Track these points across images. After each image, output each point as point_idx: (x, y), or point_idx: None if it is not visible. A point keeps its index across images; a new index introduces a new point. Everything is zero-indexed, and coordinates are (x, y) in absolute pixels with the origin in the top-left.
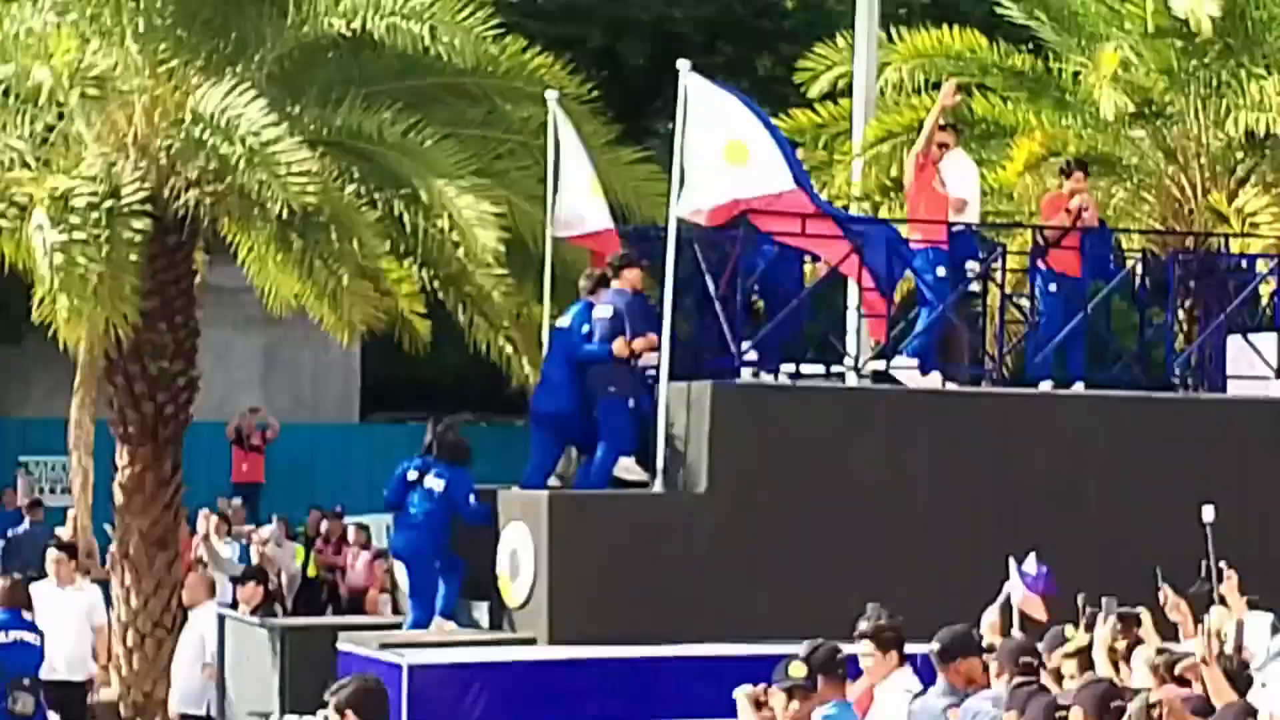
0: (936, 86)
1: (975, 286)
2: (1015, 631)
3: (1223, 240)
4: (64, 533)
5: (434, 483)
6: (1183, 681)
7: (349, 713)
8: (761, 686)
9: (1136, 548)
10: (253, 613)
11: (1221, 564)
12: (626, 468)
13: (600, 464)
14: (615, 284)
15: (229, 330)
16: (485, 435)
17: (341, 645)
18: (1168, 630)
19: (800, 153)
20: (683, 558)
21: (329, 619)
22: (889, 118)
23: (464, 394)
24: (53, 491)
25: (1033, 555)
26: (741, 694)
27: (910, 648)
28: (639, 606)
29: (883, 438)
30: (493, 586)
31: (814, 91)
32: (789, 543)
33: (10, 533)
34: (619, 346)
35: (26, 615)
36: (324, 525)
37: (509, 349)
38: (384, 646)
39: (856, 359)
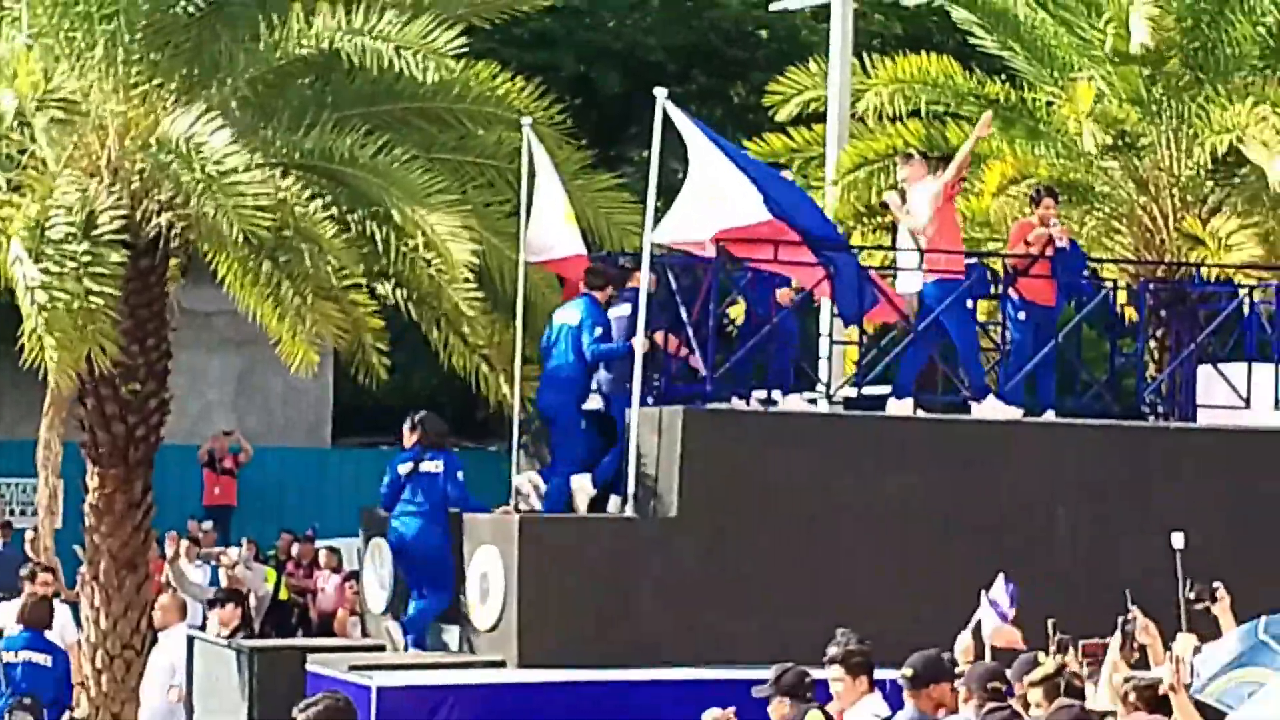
0: (914, 114)
1: None
2: (986, 657)
3: (1194, 269)
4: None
5: (432, 466)
6: (1152, 708)
7: None
8: (730, 711)
9: (1106, 575)
10: (231, 635)
11: (1217, 585)
12: None
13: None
14: (630, 283)
15: (202, 353)
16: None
17: (311, 667)
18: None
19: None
20: (653, 582)
21: (298, 641)
22: (864, 144)
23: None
24: (24, 513)
25: (1000, 577)
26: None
27: (880, 673)
28: (609, 630)
29: (854, 464)
30: (462, 609)
31: (783, 115)
32: (759, 568)
33: None
34: (640, 344)
35: (48, 634)
36: (295, 548)
37: (484, 368)
38: (353, 668)
39: (828, 385)
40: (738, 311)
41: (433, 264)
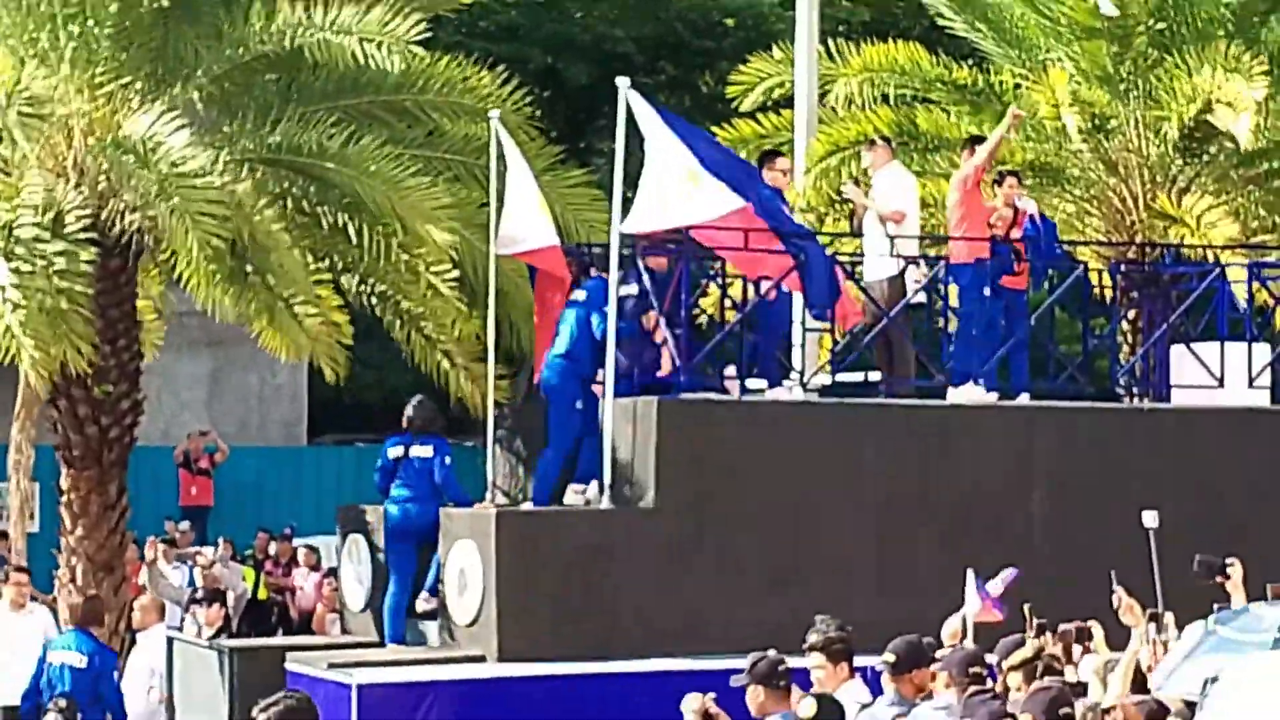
0: (885, 99)
1: (920, 298)
2: (969, 642)
3: (1164, 250)
4: None
5: (422, 450)
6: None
7: None
8: (711, 696)
9: (1083, 556)
10: (215, 635)
11: (1231, 560)
12: None
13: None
14: (640, 262)
15: (174, 354)
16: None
17: (290, 665)
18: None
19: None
20: (631, 573)
21: (278, 640)
22: (835, 131)
23: None
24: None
25: (1006, 573)
26: (689, 706)
27: (861, 660)
28: (588, 623)
29: (829, 451)
30: (441, 604)
31: (747, 104)
32: (737, 557)
33: None
34: (649, 320)
35: (97, 633)
36: (273, 547)
37: (446, 364)
38: (332, 666)
39: (802, 374)
40: (711, 302)
41: (410, 251)
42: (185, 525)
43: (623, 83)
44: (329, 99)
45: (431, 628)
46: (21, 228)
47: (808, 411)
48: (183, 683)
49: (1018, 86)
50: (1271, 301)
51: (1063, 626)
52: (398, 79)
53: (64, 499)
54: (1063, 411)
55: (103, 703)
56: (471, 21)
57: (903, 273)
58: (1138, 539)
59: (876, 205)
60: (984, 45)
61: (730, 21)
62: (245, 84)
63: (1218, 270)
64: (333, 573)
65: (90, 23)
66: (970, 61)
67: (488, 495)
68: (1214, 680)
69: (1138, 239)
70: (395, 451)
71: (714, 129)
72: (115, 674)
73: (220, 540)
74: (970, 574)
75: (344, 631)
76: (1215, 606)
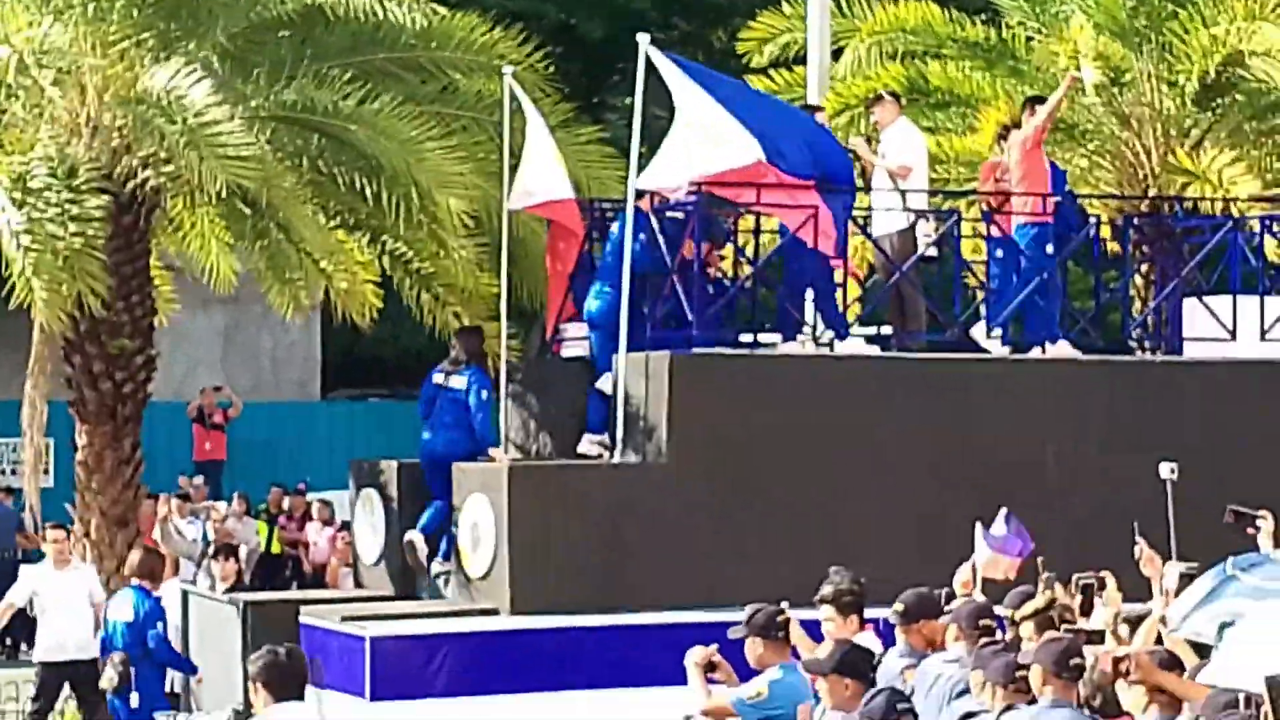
0: (893, 57)
1: (932, 252)
2: (978, 593)
3: (1176, 203)
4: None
5: (458, 381)
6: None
7: (258, 684)
8: (713, 648)
9: (1096, 510)
10: (229, 589)
11: (1263, 512)
12: None
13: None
14: (654, 219)
15: (188, 310)
16: None
17: (304, 619)
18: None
19: None
20: (643, 528)
21: (293, 593)
22: (846, 90)
23: (424, 371)
24: (14, 473)
25: (1002, 514)
26: (692, 658)
27: (873, 612)
28: (600, 576)
29: (842, 405)
30: (454, 558)
31: (759, 61)
32: (750, 511)
33: None
34: (688, 249)
35: (154, 590)
36: (286, 502)
37: (455, 324)
38: (346, 619)
39: (814, 328)
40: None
41: (425, 212)
42: (199, 480)
43: (643, 38)
44: (344, 55)
45: (446, 581)
46: (34, 178)
47: (820, 365)
48: (198, 636)
49: (1029, 40)
50: None
51: (1077, 576)
52: (414, 35)
53: (78, 455)
54: (1075, 364)
55: (152, 656)
56: None
57: (913, 226)
58: (1153, 492)
59: (886, 161)
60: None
61: None
62: (260, 41)
63: (1230, 224)
64: (346, 527)
65: None
66: (983, 17)
67: (501, 449)
68: (1230, 625)
69: (1150, 193)
70: (437, 379)
71: None
72: (160, 625)
73: (235, 495)
74: (979, 528)
75: (357, 585)
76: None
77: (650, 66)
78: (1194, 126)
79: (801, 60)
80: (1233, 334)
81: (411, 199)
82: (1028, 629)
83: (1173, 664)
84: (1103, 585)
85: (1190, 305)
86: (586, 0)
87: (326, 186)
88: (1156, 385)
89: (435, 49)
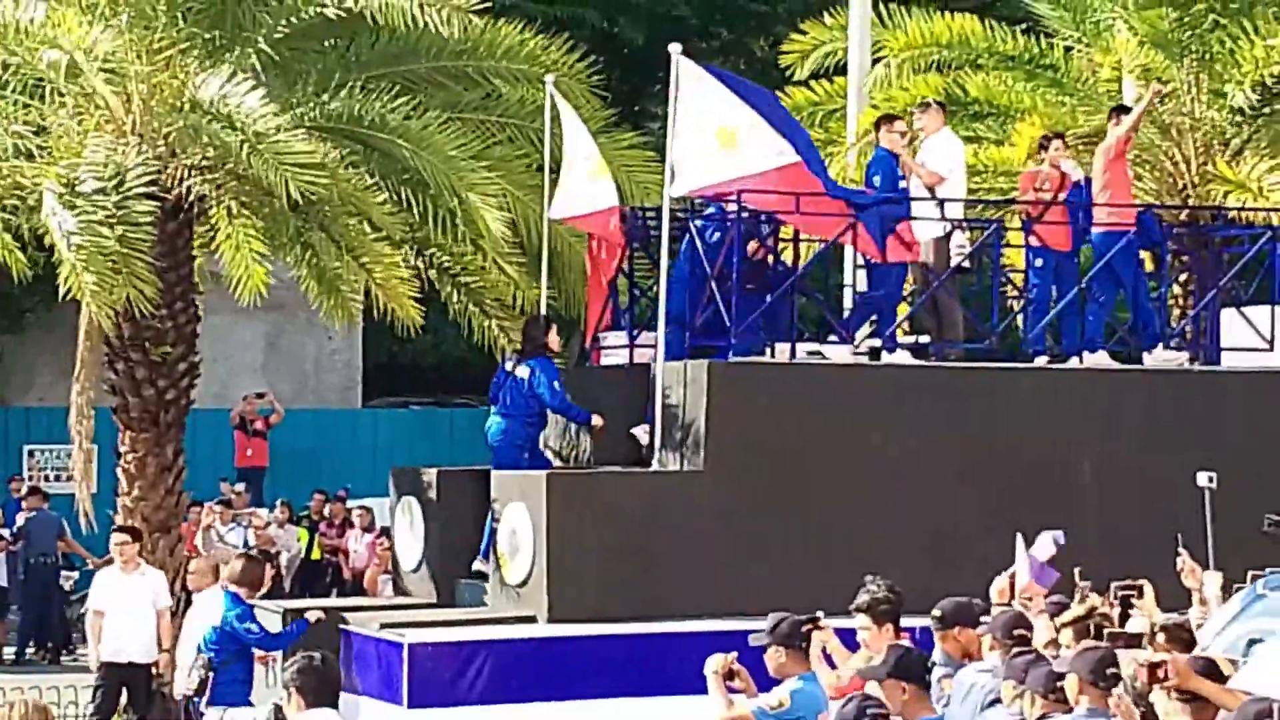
0: (935, 68)
1: (967, 263)
2: (1016, 604)
3: (1216, 213)
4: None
5: (521, 371)
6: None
7: (293, 690)
8: (732, 656)
9: (1134, 519)
10: (264, 596)
11: None
12: None
13: None
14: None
15: (229, 318)
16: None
17: (345, 625)
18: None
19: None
20: (681, 535)
21: (332, 601)
22: (884, 101)
23: (465, 379)
24: (57, 479)
25: (1047, 535)
26: (711, 666)
27: (908, 621)
28: (638, 584)
29: (879, 414)
30: (494, 566)
31: (802, 73)
32: (787, 519)
33: (21, 519)
34: (752, 248)
35: (248, 598)
36: (327, 508)
37: (503, 339)
38: (385, 626)
39: (851, 336)
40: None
41: (469, 225)
42: (241, 487)
43: (675, 48)
44: (387, 64)
45: (483, 589)
46: (83, 183)
47: (857, 374)
48: None
49: (1068, 50)
50: None
51: (1116, 585)
52: (456, 43)
53: (121, 460)
54: (1112, 374)
55: (247, 652)
56: None
57: (949, 235)
58: (1189, 502)
59: (926, 173)
60: (1039, 9)
61: None
62: (303, 49)
63: (1269, 233)
64: (385, 533)
65: None
66: (1022, 27)
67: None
68: (1260, 641)
69: (1190, 203)
70: (507, 366)
71: None
72: (254, 624)
73: (279, 502)
74: (1020, 540)
75: (397, 592)
76: (1267, 570)
77: (686, 76)
78: (1235, 136)
79: (842, 71)
80: (1270, 344)
81: (455, 213)
82: (1067, 636)
83: (1210, 671)
84: (1141, 593)
85: (1228, 315)
86: (628, 6)
87: (372, 197)
88: (1195, 394)
89: (478, 57)
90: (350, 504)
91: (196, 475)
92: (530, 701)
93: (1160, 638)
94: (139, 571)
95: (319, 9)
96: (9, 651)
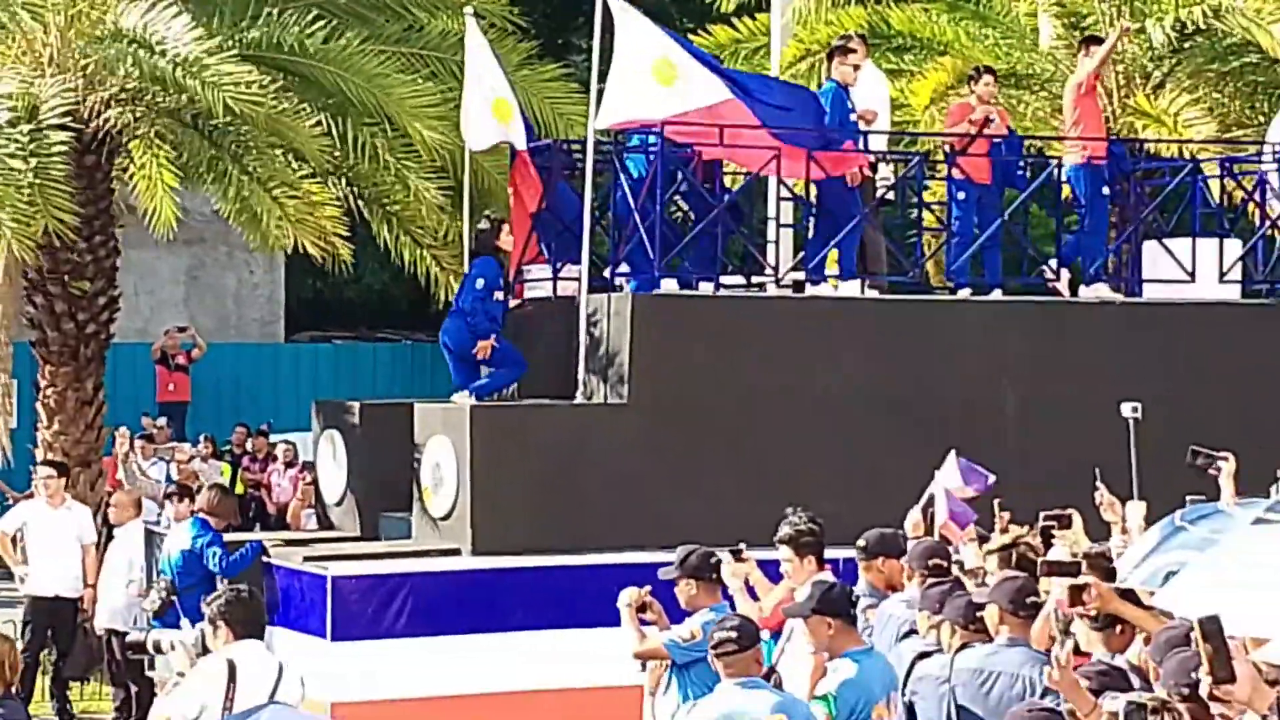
0: (858, 1)
1: (891, 195)
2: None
3: (1138, 146)
4: None
5: (470, 271)
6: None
7: (220, 622)
8: (645, 589)
9: (1057, 451)
10: None
11: (1225, 454)
12: None
13: None
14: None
15: (152, 251)
16: (408, 354)
17: (270, 559)
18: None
19: None
20: (605, 468)
21: (255, 535)
22: (807, 35)
23: (388, 313)
24: None
25: (952, 457)
26: (624, 600)
27: (832, 552)
28: (562, 517)
29: (803, 347)
30: (417, 498)
31: (728, 6)
32: (711, 452)
33: None
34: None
35: (215, 524)
36: (250, 443)
37: (435, 268)
38: (308, 560)
39: (776, 269)
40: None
41: (396, 152)
42: (163, 421)
43: None
44: None
45: (405, 521)
46: None
47: (781, 307)
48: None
49: None
50: (1243, 196)
51: (1043, 514)
52: None
53: (41, 395)
54: (1034, 306)
55: (211, 578)
56: None
57: (874, 168)
58: (1112, 433)
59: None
60: None
61: None
62: None
63: (1190, 166)
64: (309, 468)
65: None
66: None
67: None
68: (1175, 573)
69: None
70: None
71: (690, 37)
72: (220, 549)
73: (202, 437)
74: (938, 474)
75: (320, 526)
76: (1187, 500)
77: (617, 9)
78: (1155, 69)
79: (765, 7)
80: (1191, 276)
81: (381, 137)
82: (992, 563)
83: (1131, 598)
84: (1069, 523)
85: (1150, 248)
86: None
87: (301, 123)
88: (1117, 326)
89: None
90: (273, 438)
91: (119, 410)
92: (454, 634)
93: (1082, 565)
94: (65, 506)
95: None
96: None
